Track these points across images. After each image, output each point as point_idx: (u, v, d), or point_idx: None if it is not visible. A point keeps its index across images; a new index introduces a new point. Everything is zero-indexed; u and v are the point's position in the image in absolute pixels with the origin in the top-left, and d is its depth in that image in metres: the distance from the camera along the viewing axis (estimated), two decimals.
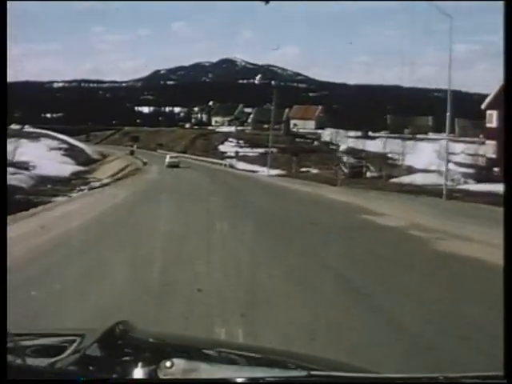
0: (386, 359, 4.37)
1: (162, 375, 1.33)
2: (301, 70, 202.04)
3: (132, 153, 65.85)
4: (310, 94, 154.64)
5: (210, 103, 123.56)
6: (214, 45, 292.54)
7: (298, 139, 70.97)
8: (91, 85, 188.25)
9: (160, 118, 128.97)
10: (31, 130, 68.17)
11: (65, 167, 50.19)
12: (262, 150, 67.73)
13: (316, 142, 71.87)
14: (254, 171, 56.02)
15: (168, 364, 1.35)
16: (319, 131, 76.72)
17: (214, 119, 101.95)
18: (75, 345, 1.61)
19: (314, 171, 61.61)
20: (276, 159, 67.57)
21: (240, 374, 1.39)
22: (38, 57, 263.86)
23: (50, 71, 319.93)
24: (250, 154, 64.13)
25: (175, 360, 1.37)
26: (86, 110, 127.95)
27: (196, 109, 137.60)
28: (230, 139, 69.50)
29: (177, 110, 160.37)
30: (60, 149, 58.56)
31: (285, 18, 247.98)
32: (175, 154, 56.16)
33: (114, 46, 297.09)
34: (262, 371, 1.51)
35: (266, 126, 72.85)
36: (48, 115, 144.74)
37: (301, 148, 69.77)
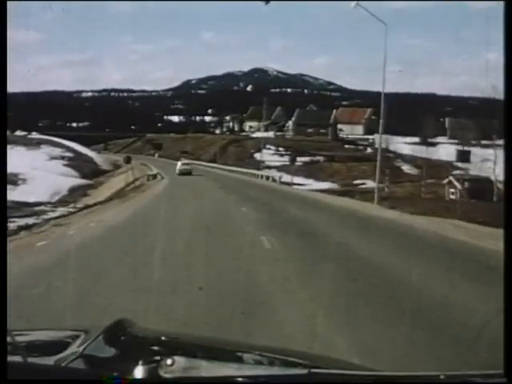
0: None
1: (162, 373, 1.29)
2: (332, 80, 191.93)
3: (128, 160, 53.54)
4: (344, 103, 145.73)
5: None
6: (244, 54, 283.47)
7: (347, 145, 58.63)
8: (121, 94, 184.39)
9: (189, 127, 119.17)
10: (36, 136, 56.99)
11: (62, 181, 38.60)
12: (306, 159, 55.46)
13: (369, 149, 59.42)
14: (300, 184, 43.98)
15: (169, 362, 1.30)
16: (370, 137, 64.38)
17: (247, 124, 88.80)
18: (75, 343, 1.56)
19: (374, 185, 49.02)
20: (323, 169, 55.40)
21: (241, 372, 1.35)
22: (69, 67, 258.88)
23: (80, 81, 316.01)
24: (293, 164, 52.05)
25: (176, 358, 1.32)
26: (114, 119, 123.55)
27: (228, 117, 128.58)
28: (268, 146, 57.33)
29: (207, 118, 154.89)
30: (63, 158, 47.32)
31: (314, 27, 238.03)
32: (187, 161, 51.00)
33: (145, 56, 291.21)
34: (263, 369, 1.50)
35: (309, 130, 60.70)
36: (74, 124, 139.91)
37: (352, 156, 57.18)
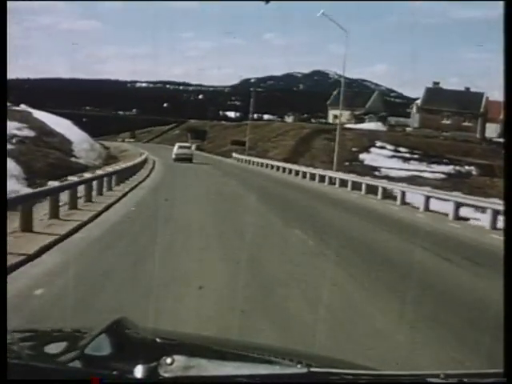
0: None
1: (162, 372, 1.25)
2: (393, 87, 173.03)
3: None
4: (408, 110, 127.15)
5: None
6: (305, 57, 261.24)
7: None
8: (176, 87, 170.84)
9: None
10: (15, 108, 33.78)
11: None
12: (448, 169, 29.74)
13: None
14: (462, 219, 18.50)
15: (168, 361, 1.26)
16: None
17: (331, 113, 63.84)
18: (75, 342, 1.51)
19: None
20: (482, 189, 28.94)
21: (240, 370, 1.32)
22: (128, 58, 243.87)
23: (138, 72, 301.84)
24: (427, 175, 27.37)
25: (176, 357, 1.28)
26: (164, 109, 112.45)
27: (288, 119, 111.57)
28: (379, 143, 33.22)
29: (266, 117, 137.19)
30: (11, 138, 23.30)
31: (376, 36, 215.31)
32: (187, 144, 41.03)
33: (205, 53, 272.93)
34: (263, 368, 1.45)
35: (445, 121, 35.70)
36: (120, 112, 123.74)
37: None
